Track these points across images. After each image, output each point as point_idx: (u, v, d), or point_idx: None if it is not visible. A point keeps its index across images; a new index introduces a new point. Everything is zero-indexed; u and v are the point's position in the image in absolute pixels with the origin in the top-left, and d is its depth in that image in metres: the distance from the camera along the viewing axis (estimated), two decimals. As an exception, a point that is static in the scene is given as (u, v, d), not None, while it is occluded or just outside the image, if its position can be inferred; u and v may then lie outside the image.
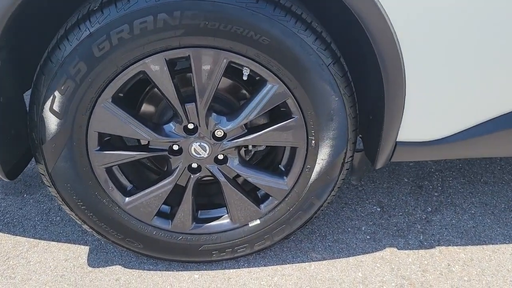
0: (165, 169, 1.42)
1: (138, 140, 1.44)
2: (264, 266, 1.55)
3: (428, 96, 1.29)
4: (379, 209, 1.76)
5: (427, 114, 1.33)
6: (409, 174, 1.97)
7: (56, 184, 1.35)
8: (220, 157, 1.35)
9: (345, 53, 1.30)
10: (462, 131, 1.36)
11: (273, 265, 1.55)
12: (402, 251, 1.60)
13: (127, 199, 1.39)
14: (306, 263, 1.56)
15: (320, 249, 1.61)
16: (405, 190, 1.88)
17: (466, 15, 1.17)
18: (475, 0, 1.15)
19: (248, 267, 1.55)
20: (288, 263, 1.56)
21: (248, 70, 1.22)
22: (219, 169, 1.36)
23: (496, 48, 1.23)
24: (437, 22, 1.17)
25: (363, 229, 1.69)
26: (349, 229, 1.68)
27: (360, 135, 1.48)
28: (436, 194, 1.87)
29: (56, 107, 1.22)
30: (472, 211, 1.78)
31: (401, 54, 1.18)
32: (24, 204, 1.89)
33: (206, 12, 1.12)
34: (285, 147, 1.39)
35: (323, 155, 1.34)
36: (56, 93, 1.21)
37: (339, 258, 1.58)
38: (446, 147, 1.39)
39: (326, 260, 1.57)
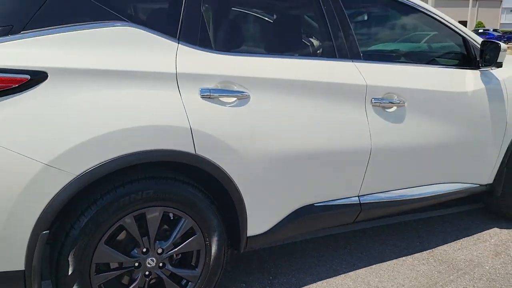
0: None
1: None
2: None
3: (256, 210, 2.39)
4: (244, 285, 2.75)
5: (258, 219, 2.33)
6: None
7: None
8: (161, 264, 2.21)
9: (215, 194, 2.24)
10: (277, 223, 2.40)
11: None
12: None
13: None
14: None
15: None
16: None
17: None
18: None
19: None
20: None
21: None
22: (161, 271, 2.13)
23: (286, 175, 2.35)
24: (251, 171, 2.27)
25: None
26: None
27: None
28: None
29: None
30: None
31: (239, 189, 2.20)
32: None
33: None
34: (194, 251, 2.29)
35: (214, 250, 2.34)
36: None
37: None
38: (275, 233, 2.36)
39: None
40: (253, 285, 2.58)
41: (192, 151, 2.01)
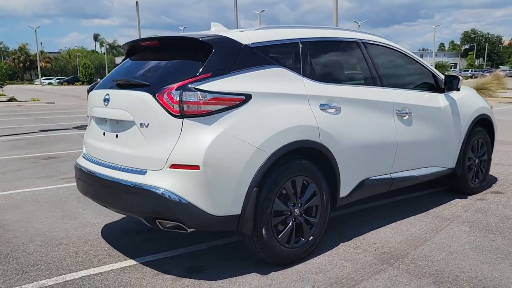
0: None
1: None
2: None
3: (344, 180, 3.56)
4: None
5: (344, 186, 3.60)
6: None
7: None
8: (301, 213, 3.33)
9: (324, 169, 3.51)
10: (352, 190, 3.72)
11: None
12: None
13: None
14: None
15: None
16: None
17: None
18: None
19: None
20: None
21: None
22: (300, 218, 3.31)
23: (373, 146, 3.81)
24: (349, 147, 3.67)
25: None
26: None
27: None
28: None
29: None
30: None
31: (338, 165, 3.50)
32: None
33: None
34: (314, 206, 3.47)
35: (325, 205, 3.48)
36: None
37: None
38: (349, 197, 3.66)
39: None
40: (328, 236, 3.90)
41: (319, 141, 3.36)
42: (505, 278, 3.07)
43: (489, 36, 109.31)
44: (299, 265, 3.32)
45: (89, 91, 3.78)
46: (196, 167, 2.85)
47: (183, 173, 2.87)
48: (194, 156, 2.86)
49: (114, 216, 4.47)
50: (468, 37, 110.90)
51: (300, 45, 3.53)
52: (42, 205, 4.98)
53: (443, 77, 4.76)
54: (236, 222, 3.01)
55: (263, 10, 48.13)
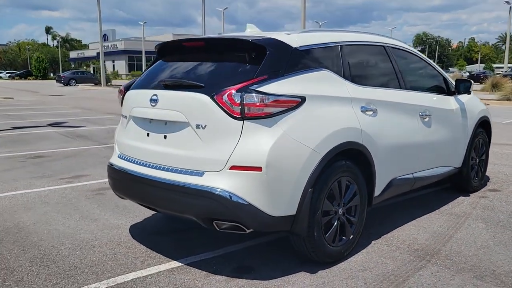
0: None
1: None
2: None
3: (378, 179, 3.68)
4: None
5: (378, 185, 3.66)
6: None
7: None
8: (343, 213, 3.43)
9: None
10: (383, 189, 3.91)
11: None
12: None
13: None
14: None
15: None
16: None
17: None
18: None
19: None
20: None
21: None
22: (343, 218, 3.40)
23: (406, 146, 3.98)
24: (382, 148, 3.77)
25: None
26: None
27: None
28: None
29: None
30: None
31: (375, 164, 3.61)
32: None
33: None
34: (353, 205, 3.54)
35: (363, 205, 3.58)
36: None
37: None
38: (380, 196, 3.78)
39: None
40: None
41: (361, 142, 3.46)
42: (538, 271, 3.29)
43: (440, 39, 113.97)
44: (342, 264, 3.41)
45: (125, 90, 3.71)
46: (259, 168, 2.88)
47: (244, 174, 2.89)
48: (256, 157, 2.88)
49: (135, 217, 4.41)
50: (420, 39, 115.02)
51: (341, 49, 3.62)
52: (54, 206, 4.82)
53: (452, 80, 4.98)
54: (291, 223, 3.06)
55: (226, 8, 48.09)
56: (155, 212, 4.39)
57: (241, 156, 2.90)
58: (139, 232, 4.06)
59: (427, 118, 4.35)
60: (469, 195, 5.33)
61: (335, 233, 3.37)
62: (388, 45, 4.24)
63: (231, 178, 2.91)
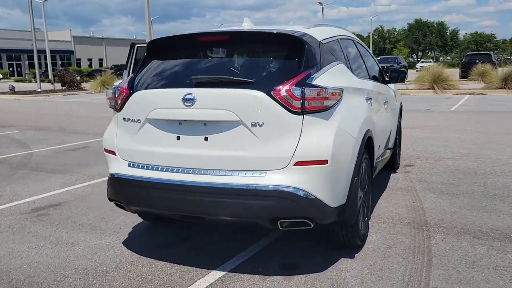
0: None
1: None
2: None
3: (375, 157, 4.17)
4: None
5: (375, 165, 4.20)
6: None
7: None
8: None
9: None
10: (375, 163, 4.32)
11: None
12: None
13: None
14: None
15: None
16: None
17: None
18: None
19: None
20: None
21: None
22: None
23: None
24: None
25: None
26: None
27: None
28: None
29: None
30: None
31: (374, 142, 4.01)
32: None
33: None
34: None
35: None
36: None
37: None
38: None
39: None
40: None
41: (372, 129, 3.72)
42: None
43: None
44: (366, 246, 3.62)
45: (129, 90, 3.27)
46: (325, 161, 2.90)
47: (310, 169, 2.88)
48: (321, 151, 2.89)
49: (115, 233, 3.97)
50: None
51: (343, 43, 3.80)
52: (1, 237, 3.98)
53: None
54: (342, 212, 3.15)
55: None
56: (134, 225, 4.00)
57: (306, 151, 2.88)
58: (143, 248, 3.65)
59: (386, 105, 4.82)
60: (396, 172, 6.04)
61: (362, 217, 3.56)
62: (354, 38, 4.57)
63: (297, 174, 2.86)
